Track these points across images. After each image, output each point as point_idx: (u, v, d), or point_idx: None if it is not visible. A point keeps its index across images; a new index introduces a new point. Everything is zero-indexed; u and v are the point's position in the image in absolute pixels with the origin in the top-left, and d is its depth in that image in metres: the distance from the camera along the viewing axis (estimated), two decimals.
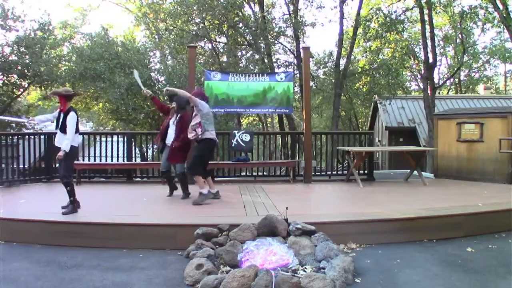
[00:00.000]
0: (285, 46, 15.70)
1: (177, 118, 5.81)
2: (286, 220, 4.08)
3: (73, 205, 4.79)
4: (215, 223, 4.18)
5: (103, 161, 8.48)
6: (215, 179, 7.94)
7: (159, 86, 14.07)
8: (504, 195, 5.77)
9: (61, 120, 4.79)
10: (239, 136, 7.71)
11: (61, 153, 4.67)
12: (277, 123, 19.64)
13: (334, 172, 8.99)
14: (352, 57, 15.64)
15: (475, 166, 7.52)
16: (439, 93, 19.74)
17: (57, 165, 5.53)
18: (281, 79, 7.72)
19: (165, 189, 6.26)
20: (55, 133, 4.91)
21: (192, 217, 4.62)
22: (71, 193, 4.81)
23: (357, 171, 7.50)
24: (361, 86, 17.03)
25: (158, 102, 6.41)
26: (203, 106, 5.56)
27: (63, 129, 4.75)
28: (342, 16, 13.77)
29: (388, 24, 13.13)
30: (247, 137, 7.72)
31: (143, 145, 13.00)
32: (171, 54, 14.95)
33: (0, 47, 13.07)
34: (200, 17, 13.57)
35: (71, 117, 4.75)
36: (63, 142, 4.70)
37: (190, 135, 5.55)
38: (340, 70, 13.92)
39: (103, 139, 8.66)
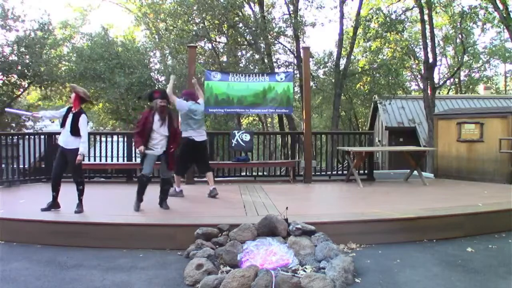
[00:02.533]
0: (285, 46, 15.72)
1: (166, 118, 5.05)
2: (286, 220, 4.08)
3: (82, 204, 4.85)
4: (215, 223, 4.18)
5: (103, 161, 8.47)
6: (215, 179, 7.94)
7: (159, 86, 14.09)
8: (504, 195, 5.77)
9: (70, 120, 4.75)
10: (239, 136, 7.72)
11: (80, 157, 4.69)
12: (277, 123, 19.64)
13: (334, 172, 8.99)
14: (352, 57, 15.62)
15: (475, 166, 7.52)
16: (439, 93, 19.72)
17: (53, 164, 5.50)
18: (281, 79, 7.71)
19: None
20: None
21: (192, 217, 4.62)
22: (82, 192, 4.86)
23: (357, 171, 7.49)
24: (361, 87, 17.03)
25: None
26: (181, 106, 5.73)
27: (74, 131, 4.73)
28: (342, 16, 13.77)
29: (388, 24, 13.13)
30: (247, 137, 7.72)
31: None
32: (171, 54, 14.95)
33: (0, 47, 13.06)
34: (200, 17, 13.57)
35: (84, 119, 4.77)
36: (80, 146, 4.70)
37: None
38: (340, 70, 13.92)
39: (103, 139, 8.66)
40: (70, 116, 4.78)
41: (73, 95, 4.88)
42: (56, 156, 4.92)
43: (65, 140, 4.78)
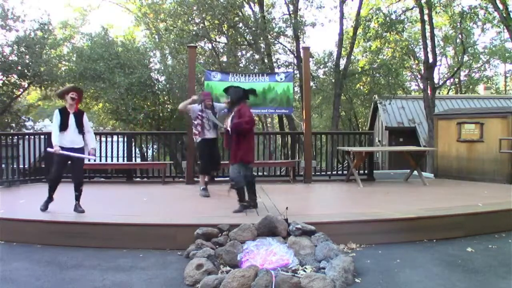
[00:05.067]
0: (285, 46, 15.71)
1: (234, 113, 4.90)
2: (286, 220, 4.08)
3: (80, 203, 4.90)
4: (215, 223, 4.18)
5: (103, 161, 8.47)
6: (215, 179, 7.94)
7: (159, 86, 14.08)
8: (504, 195, 5.77)
9: (73, 121, 4.83)
10: None
11: (93, 151, 4.96)
12: (277, 123, 19.62)
13: (334, 172, 8.99)
14: (352, 57, 15.62)
15: (475, 166, 7.51)
16: (439, 93, 19.72)
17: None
18: (281, 79, 7.71)
19: (165, 189, 6.25)
20: None
21: (192, 217, 4.62)
22: (81, 192, 4.91)
23: (357, 171, 7.49)
24: (361, 87, 17.02)
25: None
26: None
27: (81, 130, 4.88)
28: (342, 16, 13.76)
29: (388, 24, 13.12)
30: None
31: (143, 145, 13.01)
32: (171, 54, 14.94)
33: (0, 47, 13.06)
34: (200, 17, 13.56)
35: (86, 117, 5.02)
36: (93, 140, 4.99)
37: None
38: (340, 70, 13.91)
39: (103, 139, 8.66)
40: (72, 117, 4.82)
41: (75, 97, 4.87)
42: (57, 160, 4.79)
43: (72, 140, 4.82)
